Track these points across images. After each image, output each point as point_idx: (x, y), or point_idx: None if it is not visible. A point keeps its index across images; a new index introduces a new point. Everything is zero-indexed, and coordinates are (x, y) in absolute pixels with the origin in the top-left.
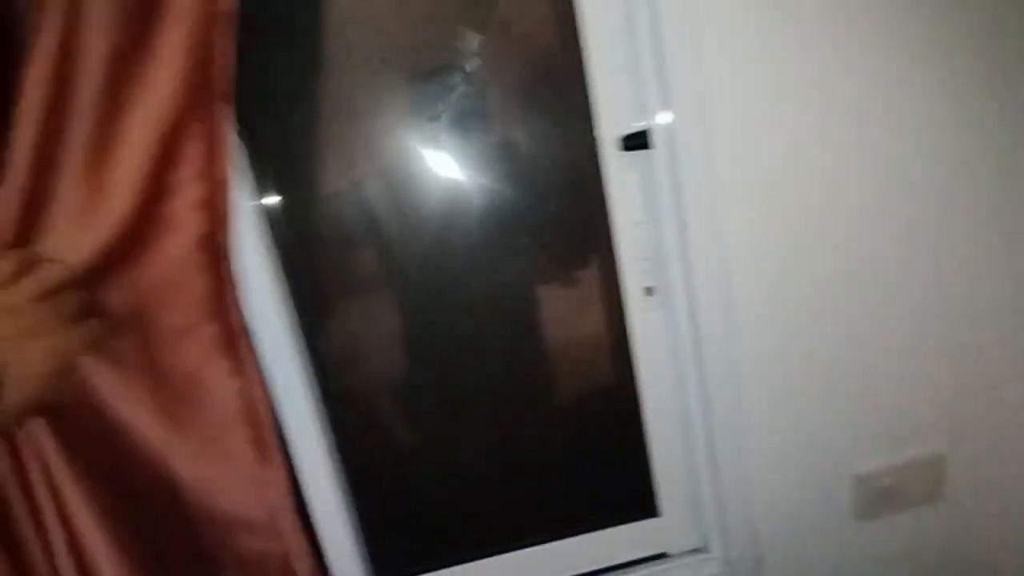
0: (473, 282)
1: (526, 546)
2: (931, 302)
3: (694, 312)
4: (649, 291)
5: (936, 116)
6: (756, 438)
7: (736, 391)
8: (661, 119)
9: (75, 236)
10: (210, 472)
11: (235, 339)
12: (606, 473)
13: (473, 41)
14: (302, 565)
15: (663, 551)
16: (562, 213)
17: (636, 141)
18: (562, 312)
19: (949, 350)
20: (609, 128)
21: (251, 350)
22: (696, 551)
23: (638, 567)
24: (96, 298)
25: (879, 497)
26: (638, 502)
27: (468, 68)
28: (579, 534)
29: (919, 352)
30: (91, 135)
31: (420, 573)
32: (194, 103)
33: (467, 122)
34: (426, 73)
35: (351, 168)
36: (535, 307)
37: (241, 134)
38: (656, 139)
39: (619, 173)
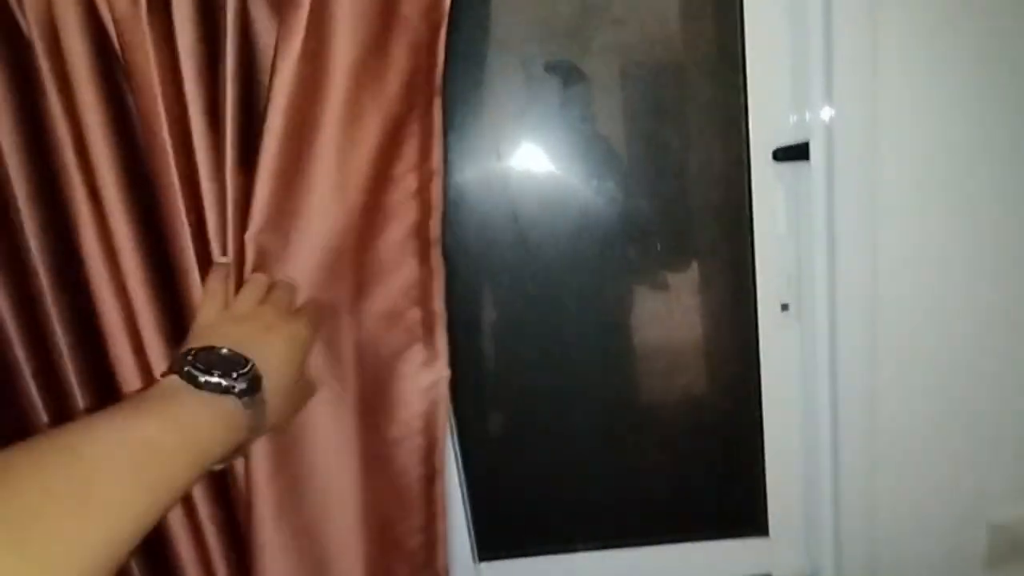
0: (603, 285)
1: (627, 546)
2: None
3: (833, 332)
4: (785, 307)
5: None
6: (885, 469)
7: (869, 418)
8: (821, 131)
9: (318, 223)
10: (376, 483)
11: (435, 327)
12: (718, 484)
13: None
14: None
15: (768, 572)
16: (701, 221)
17: (791, 153)
18: (693, 319)
19: None
20: (761, 137)
21: (444, 342)
22: None
23: None
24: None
25: (1013, 548)
26: (747, 518)
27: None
28: (683, 542)
29: None
30: (335, 129)
31: (520, 557)
32: (414, 101)
33: (615, 120)
34: (570, 67)
35: (477, 160)
36: (666, 312)
37: None
38: (814, 152)
39: (767, 183)
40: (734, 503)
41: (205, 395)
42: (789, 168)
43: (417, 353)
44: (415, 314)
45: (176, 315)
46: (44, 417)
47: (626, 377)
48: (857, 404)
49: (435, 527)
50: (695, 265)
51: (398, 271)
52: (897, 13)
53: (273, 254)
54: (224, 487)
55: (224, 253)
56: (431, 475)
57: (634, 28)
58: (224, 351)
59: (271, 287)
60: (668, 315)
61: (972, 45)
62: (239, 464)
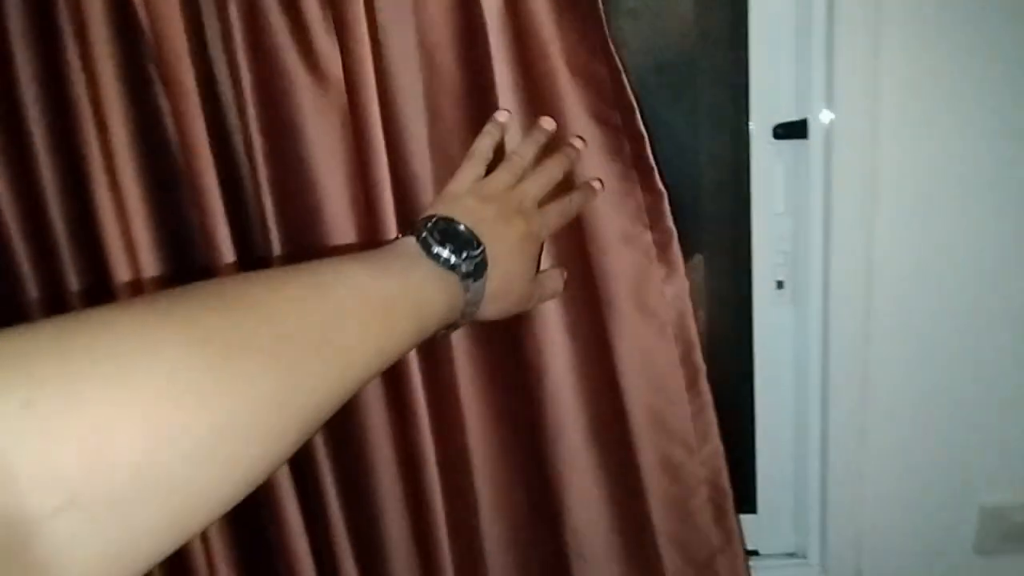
0: None
1: None
2: None
3: (827, 311)
4: (780, 284)
5: None
6: (875, 448)
7: (860, 397)
8: (821, 110)
9: None
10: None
11: (670, 245)
12: None
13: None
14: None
15: (755, 549)
16: (699, 196)
17: (790, 130)
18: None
19: None
20: (762, 113)
21: (679, 258)
22: (791, 555)
23: None
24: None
25: (1006, 533)
26: (736, 495)
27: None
28: None
29: None
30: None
31: None
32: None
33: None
34: None
35: None
36: None
37: None
38: (813, 130)
39: (766, 161)
40: None
41: (434, 266)
42: (789, 146)
43: (657, 271)
44: (649, 236)
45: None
46: None
47: None
48: (848, 384)
49: (705, 415)
50: (692, 242)
51: (631, 195)
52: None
53: None
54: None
55: None
56: (693, 374)
57: (646, 9)
58: (461, 227)
59: (528, 171)
60: None
61: (975, 15)
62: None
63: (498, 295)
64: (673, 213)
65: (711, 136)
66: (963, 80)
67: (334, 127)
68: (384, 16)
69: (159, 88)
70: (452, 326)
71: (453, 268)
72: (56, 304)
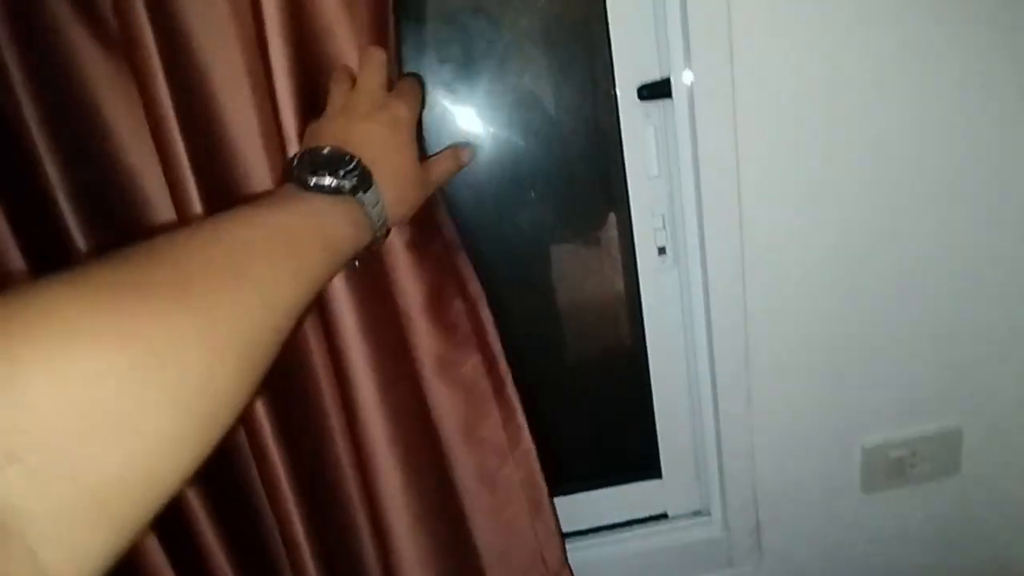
0: (482, 235)
1: None
2: (945, 272)
3: (706, 274)
4: (662, 250)
5: (971, 78)
6: (762, 404)
7: (744, 356)
8: (681, 67)
9: None
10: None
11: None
12: (610, 433)
13: None
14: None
15: (663, 512)
16: (576, 166)
17: (655, 91)
18: (572, 269)
19: (964, 320)
20: (627, 77)
21: (471, 266)
22: (697, 514)
23: (639, 526)
24: None
25: (887, 470)
26: (641, 463)
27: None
28: (581, 491)
29: (933, 323)
30: None
31: None
32: None
33: (479, 67)
34: (442, 13)
35: None
36: (545, 264)
37: None
38: (675, 88)
39: (636, 124)
40: (629, 450)
41: (320, 196)
42: (657, 107)
43: (449, 279)
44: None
45: None
46: None
47: (511, 335)
48: (732, 346)
49: (515, 419)
50: (575, 212)
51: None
52: None
53: None
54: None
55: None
56: (499, 383)
57: None
58: (326, 150)
59: (357, 77)
60: (552, 268)
61: None
62: None
63: (398, 192)
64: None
65: (581, 102)
66: (818, 27)
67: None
68: None
69: None
70: (374, 242)
71: (337, 190)
72: None
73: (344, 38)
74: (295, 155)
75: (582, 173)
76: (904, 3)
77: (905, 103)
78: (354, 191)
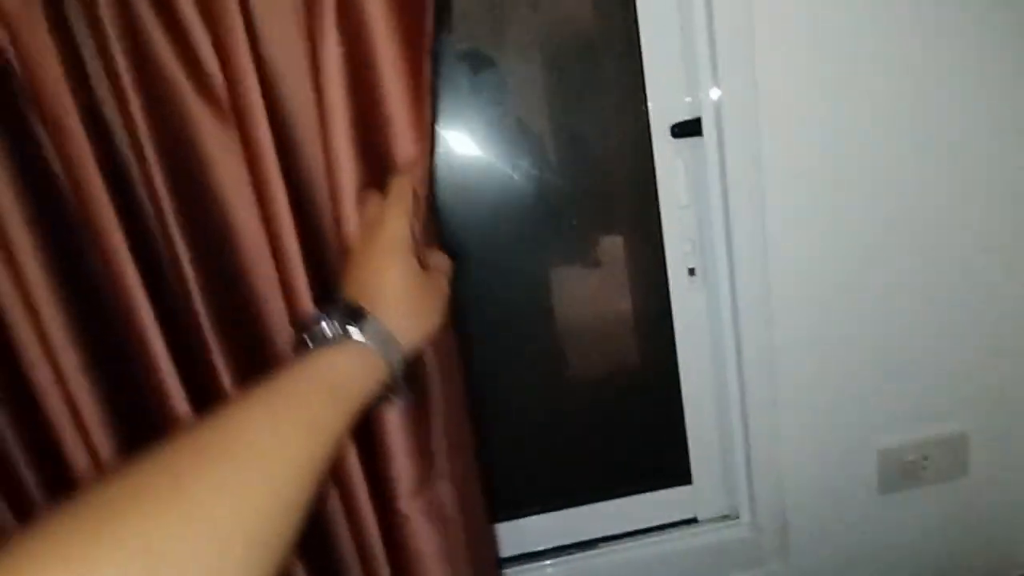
0: (530, 260)
1: (567, 507)
2: (953, 287)
3: (734, 292)
4: (692, 272)
5: (989, 101)
6: (787, 412)
7: (770, 368)
8: (710, 108)
9: None
10: None
11: None
12: (644, 443)
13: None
14: None
15: (694, 516)
16: (610, 196)
17: (687, 129)
18: (608, 290)
19: (971, 332)
20: (660, 115)
21: None
22: (725, 517)
23: (670, 530)
24: None
25: (902, 472)
26: (673, 470)
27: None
28: (617, 498)
29: (942, 332)
30: None
31: None
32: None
33: (524, 108)
34: (469, 44)
35: None
36: (583, 285)
37: None
38: (706, 127)
39: (668, 158)
40: (661, 457)
41: (318, 348)
42: (687, 143)
43: None
44: None
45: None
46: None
47: (552, 351)
48: (759, 359)
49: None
50: (610, 238)
51: None
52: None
53: None
54: None
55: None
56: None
57: (545, 16)
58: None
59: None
60: (588, 287)
61: (846, 20)
62: None
63: (406, 309)
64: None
65: (614, 136)
66: (840, 70)
67: (229, 146)
68: (262, 31)
69: (40, 130)
70: (393, 371)
71: (323, 336)
72: None
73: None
74: (299, 329)
75: (618, 202)
76: (928, 40)
77: (918, 135)
78: (344, 330)
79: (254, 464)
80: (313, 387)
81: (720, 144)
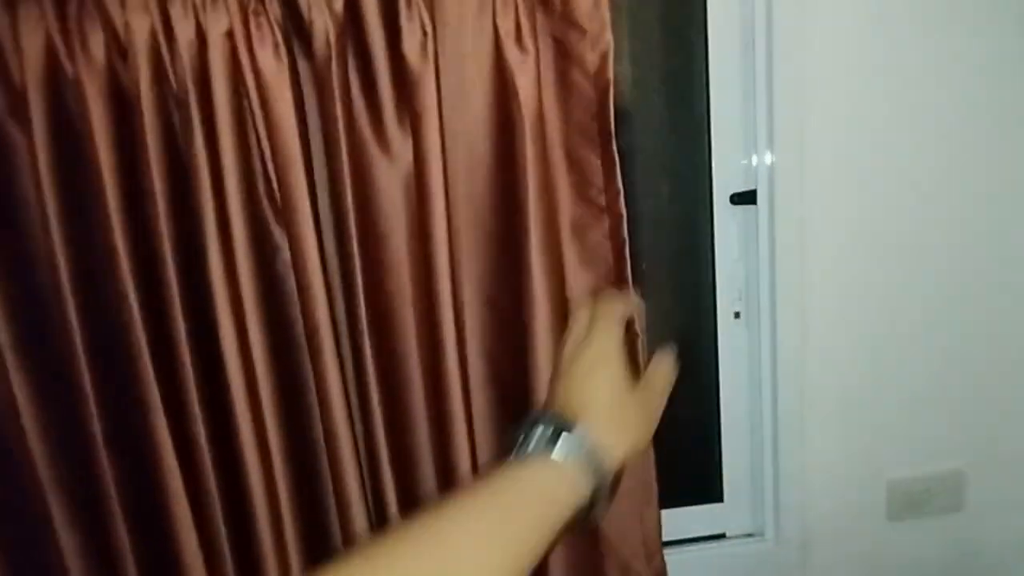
0: None
1: None
2: (957, 332)
3: (774, 335)
4: (737, 315)
5: None
6: (812, 442)
7: (800, 402)
8: (765, 179)
9: None
10: None
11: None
12: (684, 462)
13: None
14: None
15: (723, 532)
16: (674, 248)
17: (743, 198)
18: (662, 324)
19: (972, 376)
20: (722, 186)
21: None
22: (751, 535)
23: (701, 544)
24: None
25: (908, 503)
26: (707, 489)
27: None
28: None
29: (948, 374)
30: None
31: None
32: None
33: None
34: None
35: None
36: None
37: None
38: (760, 197)
39: (724, 220)
40: (698, 477)
41: (528, 463)
42: (742, 209)
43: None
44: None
45: None
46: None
47: None
48: (791, 396)
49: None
50: (670, 281)
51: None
52: (823, 94)
53: None
54: None
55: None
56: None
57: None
58: (520, 436)
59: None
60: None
61: (887, 103)
62: None
63: (617, 424)
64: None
65: (678, 198)
66: (876, 152)
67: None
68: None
69: (272, 172)
70: (600, 488)
71: (526, 450)
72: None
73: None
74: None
75: (681, 254)
76: (965, 116)
77: (944, 205)
78: (554, 441)
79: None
80: (524, 501)
81: (771, 211)
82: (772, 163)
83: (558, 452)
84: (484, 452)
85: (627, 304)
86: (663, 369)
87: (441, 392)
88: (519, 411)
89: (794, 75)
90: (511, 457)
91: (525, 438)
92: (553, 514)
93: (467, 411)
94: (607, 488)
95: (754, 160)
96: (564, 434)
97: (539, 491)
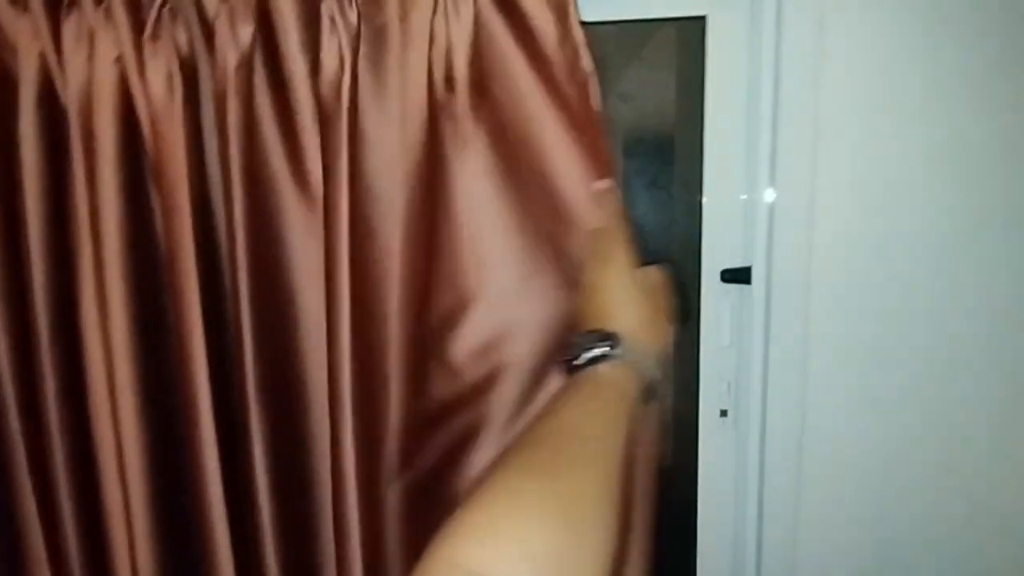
0: None
1: None
2: (951, 448)
3: (764, 437)
4: (724, 413)
5: None
6: (803, 567)
7: (792, 520)
8: (763, 260)
9: None
10: None
11: None
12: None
13: None
14: None
15: None
16: None
17: (736, 276)
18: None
19: (998, 514)
20: (713, 261)
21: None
22: None
23: None
24: None
25: None
26: None
27: None
28: None
29: (967, 512)
30: None
31: None
32: None
33: None
34: None
35: None
36: None
37: None
38: (755, 276)
39: (714, 300)
40: None
41: (595, 366)
42: (735, 288)
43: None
44: None
45: None
46: None
47: None
48: (782, 507)
49: None
50: None
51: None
52: (836, 161)
53: None
54: None
55: None
56: None
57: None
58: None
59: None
60: None
61: (894, 190)
62: None
63: (644, 329)
64: None
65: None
66: (885, 239)
67: (316, 247)
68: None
69: (156, 203)
70: (652, 384)
71: (594, 361)
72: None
73: None
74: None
75: None
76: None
77: (958, 299)
78: (605, 353)
79: (594, 450)
80: (608, 393)
81: (768, 293)
82: (770, 235)
83: (615, 358)
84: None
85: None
86: (656, 271)
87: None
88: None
89: (799, 144)
90: (577, 370)
91: (584, 353)
92: (630, 403)
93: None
94: (658, 378)
95: (749, 231)
96: (616, 343)
97: (617, 385)
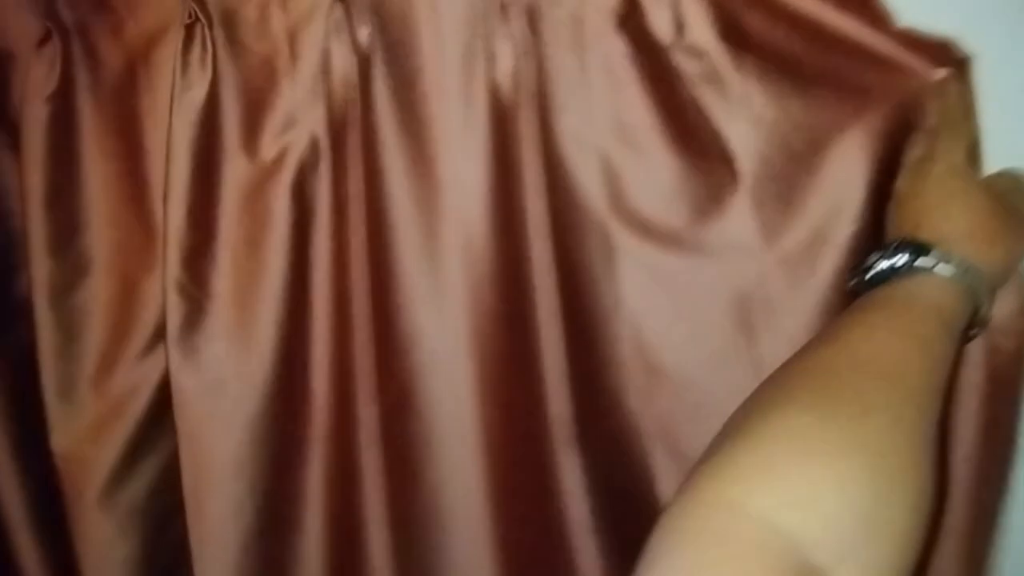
0: None
1: None
2: None
3: None
4: None
5: None
6: None
7: None
8: None
9: None
10: None
11: None
12: None
13: None
14: None
15: None
16: None
17: None
18: None
19: None
20: None
21: None
22: None
23: None
24: None
25: None
26: None
27: None
28: None
29: None
30: None
31: None
32: None
33: None
34: None
35: None
36: None
37: None
38: None
39: None
40: None
41: (899, 279)
42: None
43: None
44: None
45: None
46: None
47: None
48: None
49: None
50: None
51: None
52: None
53: None
54: None
55: None
56: None
57: None
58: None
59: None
60: None
61: None
62: None
63: (975, 241)
64: None
65: None
66: None
67: None
68: None
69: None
70: (980, 309)
71: (898, 271)
72: None
73: None
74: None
75: None
76: None
77: None
78: (912, 265)
79: (904, 392)
80: (917, 307)
81: None
82: None
83: (925, 272)
84: None
85: (964, 112)
86: (1012, 176)
87: None
88: None
89: None
90: (869, 286)
91: (884, 264)
92: (952, 323)
93: None
94: (989, 303)
95: None
96: (928, 253)
97: (929, 300)
